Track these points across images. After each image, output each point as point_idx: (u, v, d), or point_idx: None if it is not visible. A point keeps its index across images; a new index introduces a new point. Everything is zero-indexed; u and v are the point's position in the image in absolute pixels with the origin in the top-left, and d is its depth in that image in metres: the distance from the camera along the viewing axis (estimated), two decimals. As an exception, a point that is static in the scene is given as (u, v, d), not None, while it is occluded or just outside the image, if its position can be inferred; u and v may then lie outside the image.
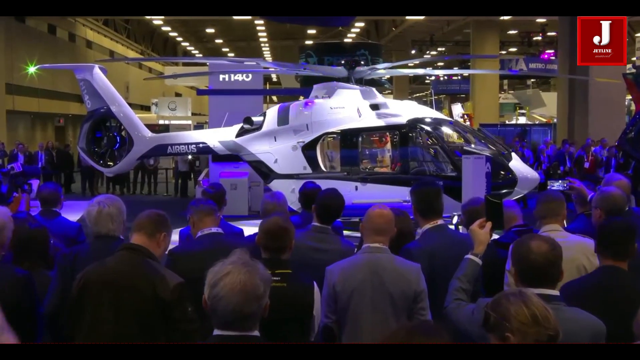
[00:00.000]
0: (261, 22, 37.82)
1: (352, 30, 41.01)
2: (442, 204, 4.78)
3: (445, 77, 49.20)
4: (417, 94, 61.14)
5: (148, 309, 3.62)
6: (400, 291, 4.02)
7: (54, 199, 6.27)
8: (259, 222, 4.30)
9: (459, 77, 47.57)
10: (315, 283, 3.98)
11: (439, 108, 37.83)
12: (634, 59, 31.60)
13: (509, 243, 4.17)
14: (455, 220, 11.86)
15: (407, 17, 35.23)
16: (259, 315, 2.62)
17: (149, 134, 15.48)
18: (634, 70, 21.79)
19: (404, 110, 13.74)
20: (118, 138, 15.36)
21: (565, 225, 5.03)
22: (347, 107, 13.62)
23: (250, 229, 7.27)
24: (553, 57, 38.19)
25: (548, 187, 5.86)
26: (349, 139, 13.44)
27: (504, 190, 12.33)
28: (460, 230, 5.77)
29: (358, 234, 5.21)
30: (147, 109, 45.12)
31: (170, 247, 4.35)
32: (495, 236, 4.65)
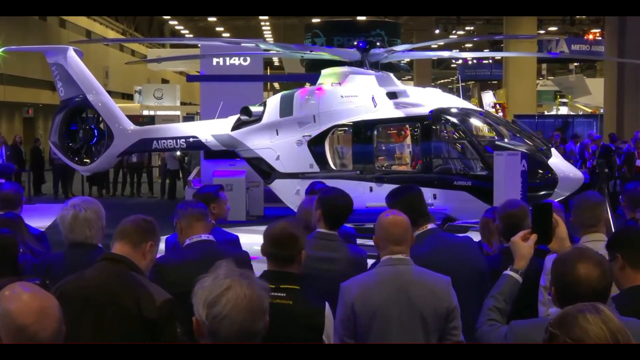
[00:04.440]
0: (261, -3, 37.90)
1: (366, 6, 40.97)
2: (426, 206, 4.91)
3: (474, 61, 49.16)
4: (442, 80, 61.12)
5: (132, 329, 3.63)
6: (432, 309, 4.01)
7: (14, 200, 6.26)
8: (257, 228, 4.31)
9: (490, 61, 47.50)
10: (327, 304, 3.97)
11: (466, 96, 37.78)
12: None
13: (546, 251, 4.17)
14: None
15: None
16: (263, 333, 2.61)
17: (131, 126, 15.51)
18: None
19: (426, 99, 13.73)
20: (96, 131, 15.40)
21: (613, 230, 5.02)
22: (360, 96, 13.62)
23: (247, 236, 7.30)
24: (599, 38, 38.10)
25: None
26: (363, 132, 13.44)
27: (542, 192, 12.32)
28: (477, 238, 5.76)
29: (372, 242, 5.23)
30: (129, 97, 45.27)
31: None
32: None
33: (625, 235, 3.92)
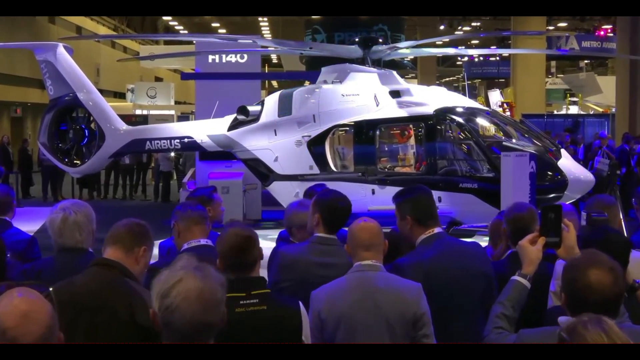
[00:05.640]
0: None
1: (368, 1, 40.98)
2: (436, 208, 4.89)
3: (481, 58, 49.16)
4: (447, 78, 61.13)
5: (125, 337, 3.62)
6: (397, 315, 4.05)
7: (5, 204, 6.22)
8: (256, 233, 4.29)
9: (497, 58, 47.50)
10: (301, 303, 4.01)
11: (472, 95, 37.77)
12: None
13: (555, 255, 4.17)
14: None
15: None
16: (218, 326, 2.73)
17: (123, 126, 15.51)
18: None
19: (430, 98, 13.74)
20: (86, 131, 15.39)
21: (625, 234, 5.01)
22: (362, 94, 13.63)
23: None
24: (611, 34, 38.10)
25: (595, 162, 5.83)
26: (365, 132, 13.44)
27: (552, 195, 12.32)
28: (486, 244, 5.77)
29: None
30: (121, 96, 45.29)
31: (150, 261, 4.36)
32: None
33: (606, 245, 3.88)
